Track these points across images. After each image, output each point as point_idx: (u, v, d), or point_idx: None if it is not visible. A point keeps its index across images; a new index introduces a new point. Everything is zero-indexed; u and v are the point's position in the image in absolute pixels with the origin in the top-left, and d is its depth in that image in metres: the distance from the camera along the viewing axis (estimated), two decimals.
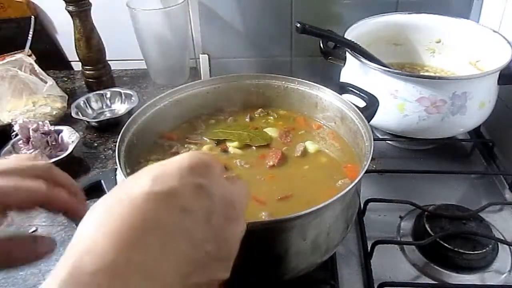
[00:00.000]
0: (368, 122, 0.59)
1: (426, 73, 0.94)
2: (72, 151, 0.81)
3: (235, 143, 0.65)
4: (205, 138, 0.67)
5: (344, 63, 0.85)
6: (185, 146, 0.65)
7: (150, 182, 0.29)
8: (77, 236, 0.29)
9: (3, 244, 0.39)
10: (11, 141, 0.82)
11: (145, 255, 0.27)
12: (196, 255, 0.30)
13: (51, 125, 0.84)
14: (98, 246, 0.27)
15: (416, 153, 0.86)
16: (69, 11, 0.95)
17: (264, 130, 0.68)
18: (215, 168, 0.33)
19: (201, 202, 0.30)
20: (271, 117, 0.71)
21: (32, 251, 0.39)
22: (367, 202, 0.69)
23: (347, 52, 0.83)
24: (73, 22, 0.98)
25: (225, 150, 0.65)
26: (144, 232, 0.28)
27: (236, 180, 0.37)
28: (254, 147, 0.65)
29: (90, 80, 1.06)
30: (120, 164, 0.52)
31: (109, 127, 0.92)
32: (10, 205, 0.38)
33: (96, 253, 0.26)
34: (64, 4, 0.94)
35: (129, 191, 0.29)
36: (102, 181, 0.49)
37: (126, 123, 0.59)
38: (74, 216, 0.41)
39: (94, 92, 0.99)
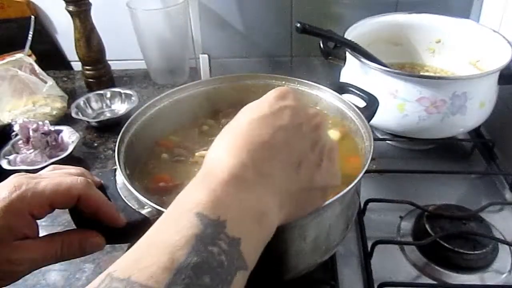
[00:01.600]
0: (368, 122, 0.59)
1: (426, 73, 0.93)
2: (72, 151, 0.81)
3: None
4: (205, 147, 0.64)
5: (344, 63, 0.85)
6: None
7: (249, 113, 0.39)
8: (208, 161, 0.37)
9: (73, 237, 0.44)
10: (11, 141, 0.82)
11: (262, 163, 0.36)
12: (299, 159, 0.39)
13: (51, 125, 0.84)
14: (224, 160, 0.35)
15: (416, 153, 0.86)
16: (69, 11, 0.95)
17: None
18: (293, 93, 0.42)
19: (290, 118, 0.39)
20: None
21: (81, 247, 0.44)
22: (367, 202, 0.69)
23: (347, 52, 0.83)
24: (73, 22, 0.98)
25: None
26: (255, 146, 0.36)
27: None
28: None
29: (90, 80, 1.06)
30: (119, 164, 0.52)
31: (109, 127, 0.92)
32: (55, 201, 0.41)
33: (223, 164, 0.35)
34: (64, 4, 0.94)
35: (236, 122, 0.39)
36: (102, 182, 0.49)
37: (126, 123, 0.59)
38: (104, 216, 0.44)
39: (94, 92, 0.99)
